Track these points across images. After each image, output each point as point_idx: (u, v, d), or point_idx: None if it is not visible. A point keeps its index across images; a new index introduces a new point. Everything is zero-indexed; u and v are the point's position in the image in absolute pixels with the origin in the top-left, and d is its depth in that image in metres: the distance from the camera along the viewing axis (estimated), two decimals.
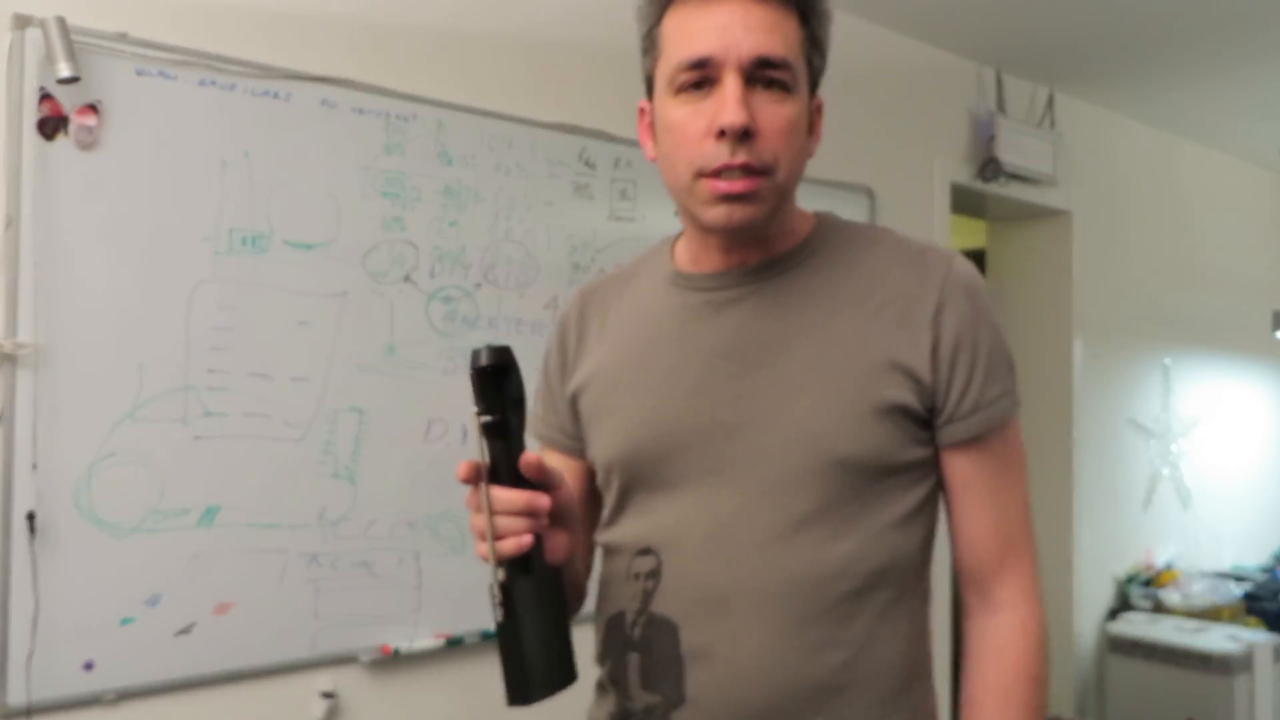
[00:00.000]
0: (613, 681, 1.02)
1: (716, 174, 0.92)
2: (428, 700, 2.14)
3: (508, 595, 0.87)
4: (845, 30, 3.02)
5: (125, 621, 1.77)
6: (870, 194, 3.04)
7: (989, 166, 3.37)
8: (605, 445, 1.05)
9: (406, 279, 2.10)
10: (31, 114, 1.68)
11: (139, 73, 1.79)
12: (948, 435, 0.98)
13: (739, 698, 0.94)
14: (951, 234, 3.39)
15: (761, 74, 0.92)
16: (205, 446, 1.84)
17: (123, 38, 1.77)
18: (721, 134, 0.91)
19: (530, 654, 0.87)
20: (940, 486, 1.01)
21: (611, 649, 1.02)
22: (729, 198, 0.93)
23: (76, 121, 1.72)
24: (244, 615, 1.88)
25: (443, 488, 2.13)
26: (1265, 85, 3.67)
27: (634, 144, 2.45)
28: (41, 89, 1.69)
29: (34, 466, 1.68)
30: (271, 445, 1.92)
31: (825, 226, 1.05)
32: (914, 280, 0.98)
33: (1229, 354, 4.48)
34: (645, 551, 1.00)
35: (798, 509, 0.94)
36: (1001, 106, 3.45)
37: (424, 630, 2.11)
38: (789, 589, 0.94)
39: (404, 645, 2.07)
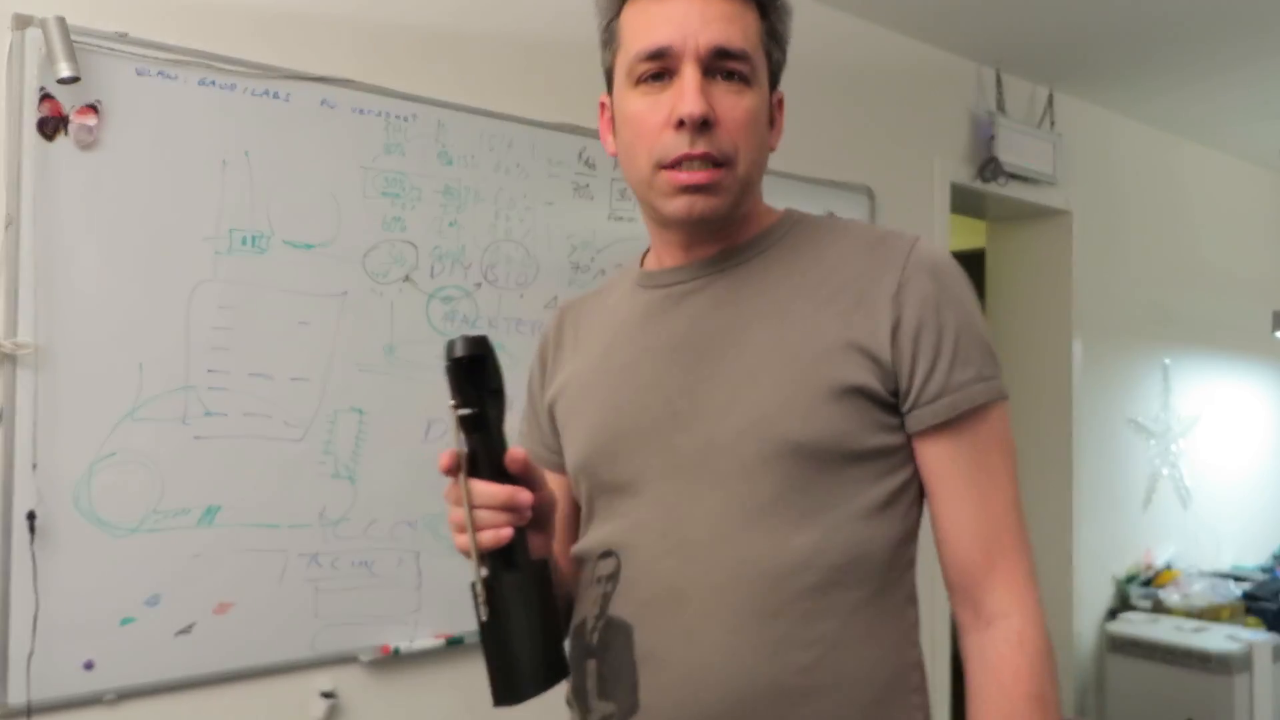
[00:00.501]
0: (575, 693, 0.99)
1: (676, 165, 0.91)
2: (428, 700, 2.14)
3: (491, 592, 0.84)
4: (845, 30, 3.05)
5: (125, 621, 1.77)
6: (870, 194, 3.04)
7: (989, 166, 3.37)
8: (571, 451, 1.03)
9: (406, 279, 2.10)
10: (32, 114, 1.69)
11: (139, 73, 1.79)
12: (915, 421, 0.92)
13: (694, 702, 0.88)
14: (951, 234, 3.39)
15: (720, 65, 0.92)
16: (205, 446, 1.84)
17: (123, 38, 1.77)
18: (681, 124, 0.90)
19: (517, 650, 0.84)
20: (917, 479, 0.96)
21: (574, 659, 0.98)
22: (689, 189, 0.92)
23: (76, 121, 1.72)
24: (244, 615, 1.88)
25: (442, 488, 2.12)
26: (1265, 85, 3.67)
27: None
28: (42, 89, 1.69)
29: (34, 466, 1.68)
30: (271, 445, 1.92)
31: (789, 220, 1.03)
32: (874, 262, 0.94)
33: (1229, 354, 4.48)
34: (606, 554, 0.97)
35: (753, 498, 0.90)
36: (1001, 106, 3.45)
37: (424, 630, 2.11)
38: (746, 582, 0.88)
39: (404, 645, 2.07)
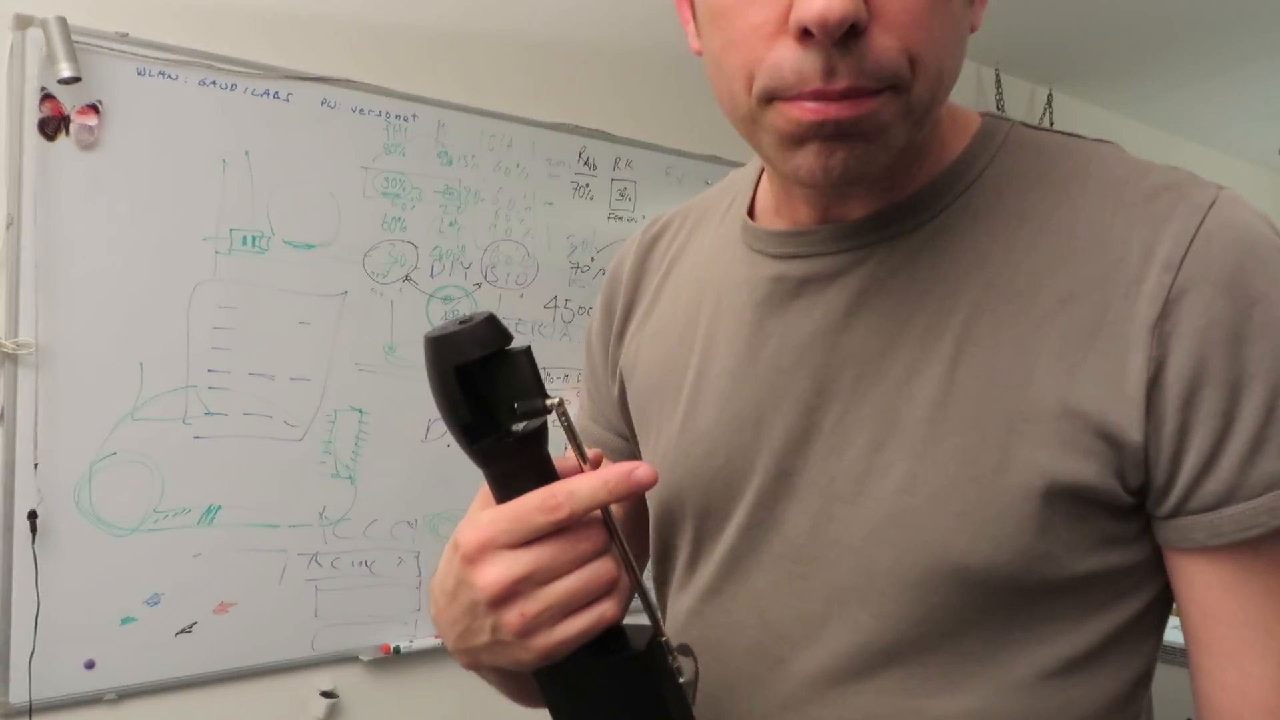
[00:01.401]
0: None
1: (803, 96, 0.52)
2: (428, 699, 2.14)
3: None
4: None
5: (126, 621, 1.77)
6: None
7: None
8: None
9: (406, 279, 2.10)
10: (33, 114, 1.69)
11: (139, 73, 1.79)
12: (1175, 535, 0.55)
13: None
14: None
15: None
16: (205, 446, 1.85)
17: (123, 38, 1.77)
18: (807, 33, 0.50)
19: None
20: (1160, 603, 0.60)
21: None
22: (825, 133, 0.52)
23: (77, 121, 1.72)
24: (244, 615, 1.89)
25: (442, 487, 2.13)
26: (1265, 85, 3.67)
27: (634, 144, 2.46)
28: (43, 89, 1.69)
29: (35, 466, 1.68)
30: (271, 445, 1.92)
31: (990, 142, 0.61)
32: (1134, 248, 0.54)
33: None
34: (683, 651, 0.65)
35: (883, 635, 0.58)
36: (1000, 106, 3.45)
37: (424, 629, 2.11)
38: None
39: (404, 644, 2.08)
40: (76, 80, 1.67)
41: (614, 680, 0.52)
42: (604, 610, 0.51)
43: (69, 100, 1.71)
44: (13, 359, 1.67)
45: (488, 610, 0.51)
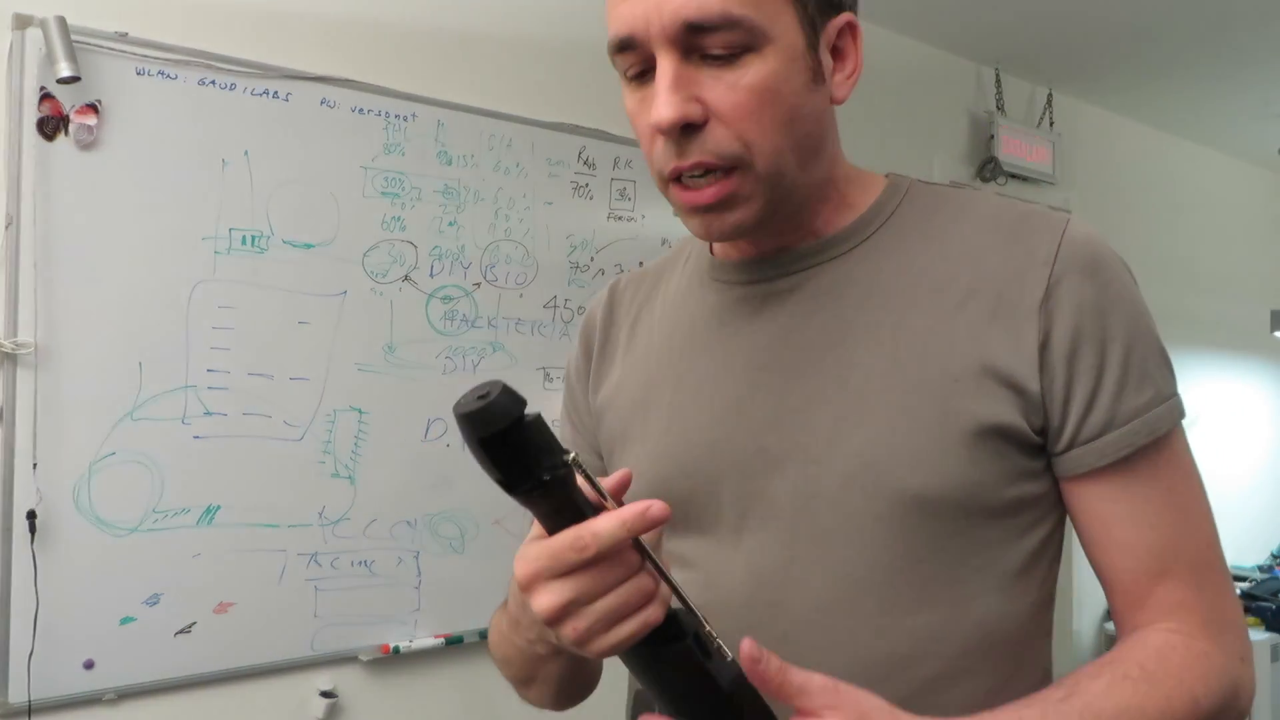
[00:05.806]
0: None
1: (678, 179, 0.73)
2: (428, 699, 2.14)
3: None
4: None
5: (125, 621, 1.77)
6: None
7: (988, 166, 3.37)
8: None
9: (406, 279, 2.10)
10: (32, 114, 1.68)
11: (139, 72, 1.79)
12: (1071, 464, 0.74)
13: None
14: None
15: (699, 43, 0.70)
16: (205, 446, 1.85)
17: (123, 38, 1.77)
18: (662, 131, 0.71)
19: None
20: (1060, 529, 0.78)
21: None
22: (700, 209, 0.73)
23: (77, 121, 1.72)
24: (244, 615, 1.88)
25: (442, 488, 2.13)
26: (1265, 85, 3.67)
27: (634, 144, 2.45)
28: (42, 89, 1.69)
29: (34, 466, 1.68)
30: (271, 445, 1.92)
31: (896, 192, 0.82)
32: (1015, 255, 0.74)
33: (1228, 354, 4.48)
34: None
35: (862, 566, 0.73)
36: (1000, 106, 3.46)
37: (424, 629, 2.11)
38: (853, 673, 0.67)
39: (404, 644, 2.07)
40: (76, 80, 1.67)
41: (673, 665, 0.63)
42: (646, 616, 0.61)
43: (68, 100, 1.71)
44: (12, 359, 1.67)
45: (547, 626, 0.63)
